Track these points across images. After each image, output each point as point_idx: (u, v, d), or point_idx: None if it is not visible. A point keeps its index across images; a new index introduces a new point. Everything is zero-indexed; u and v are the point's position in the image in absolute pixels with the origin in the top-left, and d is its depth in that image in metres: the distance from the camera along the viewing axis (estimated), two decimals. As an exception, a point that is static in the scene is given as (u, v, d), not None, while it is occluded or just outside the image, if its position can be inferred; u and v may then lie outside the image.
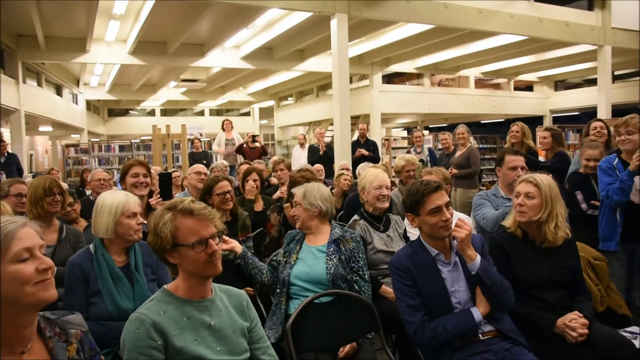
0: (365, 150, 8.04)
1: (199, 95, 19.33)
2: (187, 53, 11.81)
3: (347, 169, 6.07)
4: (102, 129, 20.84)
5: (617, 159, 3.44)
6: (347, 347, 2.50)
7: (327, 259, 2.74)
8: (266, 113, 23.02)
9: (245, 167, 5.35)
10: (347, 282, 2.73)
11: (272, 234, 3.53)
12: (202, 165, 5.32)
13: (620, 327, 2.78)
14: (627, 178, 3.25)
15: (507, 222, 2.65)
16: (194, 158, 9.64)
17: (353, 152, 8.22)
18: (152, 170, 3.79)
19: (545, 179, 2.60)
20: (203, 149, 10.76)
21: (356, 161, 7.78)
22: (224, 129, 9.75)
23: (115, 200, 2.39)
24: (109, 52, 11.57)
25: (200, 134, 11.92)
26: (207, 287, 1.78)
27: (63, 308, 2.23)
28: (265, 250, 3.46)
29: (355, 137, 9.01)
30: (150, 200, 3.40)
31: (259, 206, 4.35)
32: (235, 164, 8.65)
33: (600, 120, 4.93)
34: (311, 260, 2.76)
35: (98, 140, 17.07)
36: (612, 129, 4.25)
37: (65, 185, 6.94)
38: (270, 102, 21.32)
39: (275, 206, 3.81)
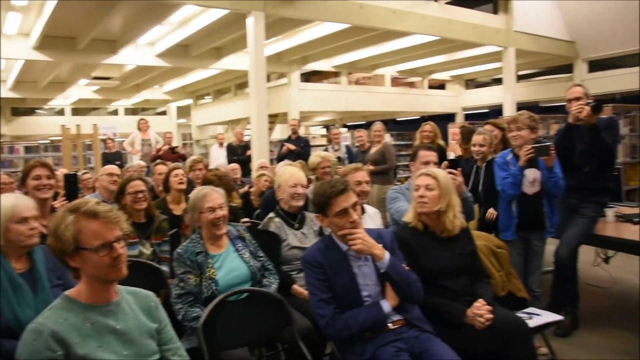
0: (293, 145, 8.07)
1: (112, 93, 18.59)
2: (98, 49, 11.32)
3: (265, 167, 6.09)
4: (4, 130, 19.55)
5: (511, 154, 3.67)
6: None
7: (241, 255, 2.78)
8: (184, 112, 22.52)
9: (161, 167, 5.23)
10: (262, 271, 2.82)
11: (188, 235, 3.47)
12: (114, 166, 5.14)
13: (520, 309, 3.01)
14: (518, 172, 3.50)
15: (408, 218, 2.77)
16: (107, 159, 9.33)
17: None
18: (56, 172, 3.63)
19: (441, 172, 2.76)
20: (117, 149, 10.41)
21: (284, 157, 7.79)
22: (139, 129, 9.48)
23: (4, 204, 2.24)
24: (10, 46, 10.83)
25: (114, 134, 11.50)
26: (111, 291, 1.73)
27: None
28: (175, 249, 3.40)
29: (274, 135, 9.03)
30: (54, 203, 3.26)
31: (179, 209, 4.23)
32: (152, 164, 8.44)
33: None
34: (230, 263, 2.75)
35: (0, 141, 16.04)
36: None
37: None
38: (188, 101, 20.89)
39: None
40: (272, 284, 2.80)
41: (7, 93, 16.64)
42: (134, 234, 3.28)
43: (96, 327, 1.64)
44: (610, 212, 4.26)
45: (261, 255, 2.91)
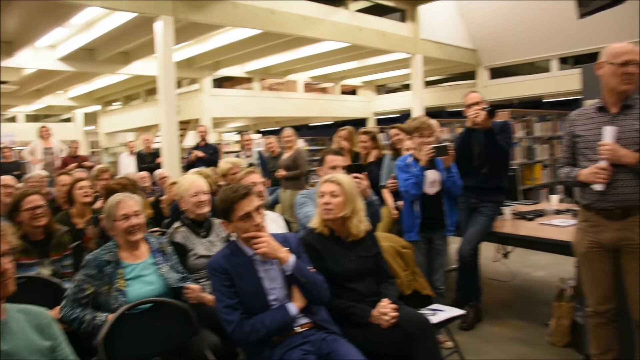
0: (201, 152, 7.95)
1: (10, 99, 17.42)
2: (-8, 51, 10.62)
3: (165, 177, 5.99)
4: None
5: (411, 157, 3.83)
6: None
7: (159, 269, 2.69)
8: (91, 119, 21.53)
9: (65, 177, 4.99)
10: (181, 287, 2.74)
11: (90, 247, 3.33)
12: (10, 177, 4.88)
13: (425, 307, 3.13)
14: (419, 172, 3.65)
15: (313, 223, 2.80)
16: (4, 169, 8.75)
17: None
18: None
19: (345, 178, 2.83)
20: (15, 158, 9.79)
21: (193, 165, 7.65)
22: (41, 137, 8.99)
23: None
24: None
25: (13, 142, 10.82)
26: None
27: None
28: (78, 263, 3.24)
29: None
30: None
31: (83, 223, 4.00)
32: (55, 174, 8.03)
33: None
34: (147, 276, 2.64)
35: None
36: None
37: None
38: (96, 107, 20.01)
39: (91, 218, 3.60)
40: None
41: None
42: (32, 254, 3.10)
43: None
44: (507, 211, 4.53)
45: (181, 270, 2.83)
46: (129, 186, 3.40)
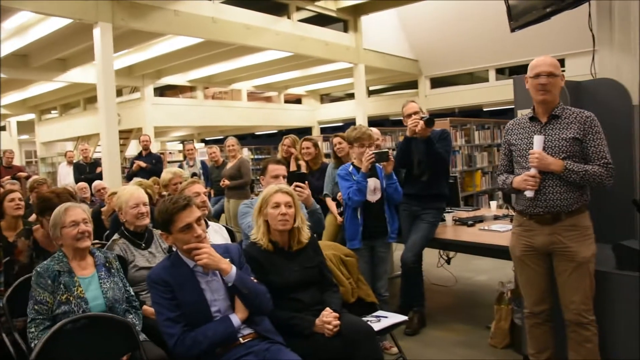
0: (144, 163, 7.77)
1: (-64, 107, 16.61)
2: None
3: (104, 189, 5.83)
4: None
5: (351, 166, 3.87)
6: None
7: (101, 284, 2.61)
8: (26, 127, 20.69)
9: (-4, 189, 4.76)
10: (129, 303, 2.69)
11: (22, 261, 3.18)
12: (-63, 189, 4.61)
13: (369, 314, 3.16)
14: (362, 179, 3.68)
15: (256, 237, 2.77)
16: None
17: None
18: None
19: (291, 189, 2.84)
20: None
21: (135, 175, 7.46)
22: (-30, 146, 8.58)
23: None
24: None
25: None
26: None
27: None
28: (11, 279, 3.09)
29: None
30: None
31: (13, 236, 3.85)
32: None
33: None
34: (93, 292, 2.57)
35: None
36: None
37: None
38: (31, 116, 19.25)
39: (22, 230, 3.45)
40: (135, 325, 2.60)
41: None
42: None
43: None
44: (449, 217, 4.64)
45: (128, 288, 2.75)
46: (65, 196, 3.27)
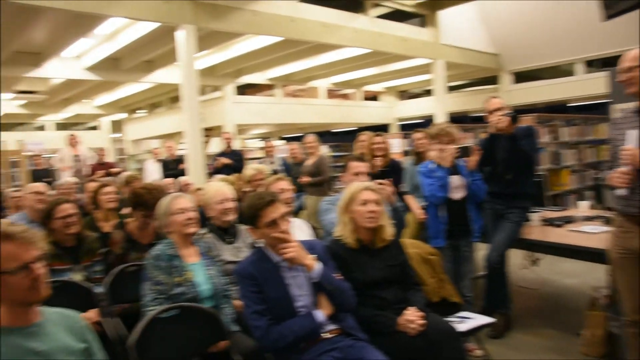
0: (227, 159, 7.98)
1: (39, 108, 17.81)
2: (21, 62, 10.80)
3: (188, 185, 6.04)
4: None
5: (433, 163, 3.78)
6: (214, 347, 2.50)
7: (207, 270, 2.76)
8: (117, 126, 21.85)
9: (94, 184, 5.05)
10: (225, 292, 2.79)
11: (116, 252, 3.35)
12: (41, 184, 4.93)
13: (453, 314, 3.08)
14: (444, 175, 3.62)
15: (341, 234, 2.76)
16: (36, 176, 8.95)
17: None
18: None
19: (376, 186, 2.82)
20: (46, 166, 10.00)
21: (218, 171, 7.69)
22: (70, 145, 9.16)
23: None
24: None
25: (42, 150, 11.02)
26: (33, 312, 1.67)
27: None
28: (108, 268, 3.28)
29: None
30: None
31: (108, 227, 4.05)
32: (84, 181, 8.16)
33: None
34: (199, 277, 2.72)
35: None
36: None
37: None
38: (121, 115, 20.31)
39: (118, 222, 3.64)
40: (227, 315, 2.72)
41: None
42: (64, 260, 3.16)
43: (17, 351, 1.59)
44: (535, 217, 4.44)
45: (224, 278, 2.87)
46: (156, 192, 3.42)
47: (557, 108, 13.88)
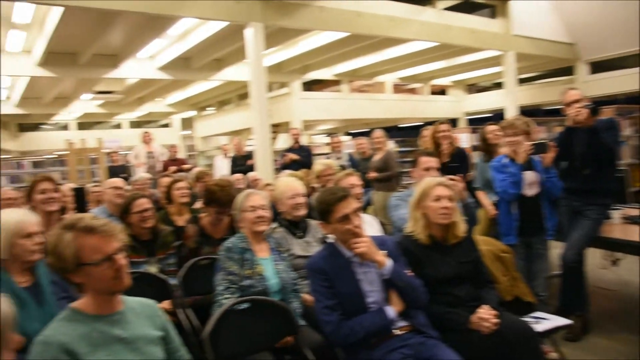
0: (296, 155, 8.09)
1: (116, 107, 18.68)
2: (100, 64, 11.39)
3: (257, 180, 6.14)
4: (12, 145, 19.66)
5: (505, 158, 3.67)
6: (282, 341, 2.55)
7: (276, 266, 2.83)
8: (187, 123, 22.58)
9: (167, 180, 5.24)
10: (293, 287, 2.85)
11: (189, 245, 3.47)
12: (119, 179, 5.16)
13: (527, 314, 2.99)
14: (517, 171, 3.50)
15: (413, 230, 2.73)
16: (112, 172, 9.38)
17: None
18: (62, 186, 3.66)
19: (448, 181, 2.77)
20: (122, 162, 10.47)
21: (285, 167, 7.81)
22: (144, 142, 9.55)
23: (9, 219, 2.28)
24: (14, 63, 10.95)
25: (118, 147, 11.56)
26: (116, 301, 1.76)
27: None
28: (181, 261, 3.40)
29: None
30: (64, 216, 3.31)
31: (181, 220, 4.22)
32: (157, 177, 8.49)
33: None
34: (268, 272, 2.79)
35: (8, 157, 16.09)
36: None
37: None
38: (191, 113, 20.96)
39: (192, 217, 3.77)
40: (295, 309, 2.77)
41: (12, 109, 16.77)
42: (140, 253, 3.29)
43: (103, 337, 1.67)
44: (616, 214, 4.23)
45: (293, 273, 2.93)
46: (228, 189, 3.51)
47: (638, 99, 13.12)
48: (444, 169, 3.40)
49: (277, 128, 14.98)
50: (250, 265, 2.76)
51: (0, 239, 2.25)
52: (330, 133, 21.68)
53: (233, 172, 8.44)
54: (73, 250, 1.65)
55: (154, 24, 9.14)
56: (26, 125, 20.69)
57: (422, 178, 3.53)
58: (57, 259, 1.66)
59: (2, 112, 17.26)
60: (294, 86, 14.41)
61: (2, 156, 15.49)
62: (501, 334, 2.43)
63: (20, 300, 2.20)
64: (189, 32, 10.62)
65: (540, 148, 3.46)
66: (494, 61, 13.23)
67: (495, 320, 2.44)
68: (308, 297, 2.83)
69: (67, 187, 5.20)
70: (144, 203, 3.41)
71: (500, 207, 3.68)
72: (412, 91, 18.47)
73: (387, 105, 16.38)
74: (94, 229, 1.69)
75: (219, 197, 3.46)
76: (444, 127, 5.12)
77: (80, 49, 10.82)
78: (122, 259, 1.71)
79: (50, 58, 10.65)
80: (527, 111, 14.24)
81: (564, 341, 3.74)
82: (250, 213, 2.88)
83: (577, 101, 3.68)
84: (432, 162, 3.49)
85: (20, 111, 17.02)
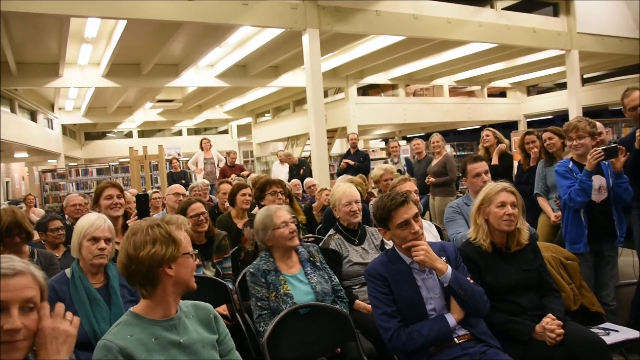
0: (352, 161, 8.09)
1: (175, 115, 19.27)
2: (162, 74, 11.80)
3: (313, 186, 6.19)
4: (79, 153, 20.64)
5: (571, 162, 3.51)
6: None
7: (309, 278, 2.78)
8: (244, 130, 23.00)
9: (226, 186, 5.35)
10: (335, 294, 2.81)
11: (247, 249, 3.52)
12: (180, 186, 5.33)
13: (594, 325, 2.86)
14: (586, 178, 3.30)
15: (475, 237, 2.67)
16: (173, 178, 9.65)
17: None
18: (126, 192, 3.80)
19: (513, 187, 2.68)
20: (182, 168, 10.76)
21: (342, 172, 7.82)
22: (202, 148, 9.77)
23: (82, 222, 2.43)
24: (82, 75, 11.50)
25: (178, 154, 11.89)
26: (174, 306, 1.80)
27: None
28: (242, 265, 3.45)
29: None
30: (128, 221, 3.42)
31: (241, 224, 4.29)
32: (215, 182, 8.67)
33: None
34: (302, 287, 2.75)
35: (75, 164, 16.89)
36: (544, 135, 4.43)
37: (41, 211, 6.87)
38: (248, 119, 21.31)
39: (248, 220, 3.82)
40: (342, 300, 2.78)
41: (80, 119, 17.59)
42: (196, 257, 3.36)
43: (160, 342, 1.71)
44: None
45: (334, 279, 2.89)
46: (275, 184, 3.55)
47: None
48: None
49: (333, 133, 15.02)
50: (275, 287, 2.69)
51: (74, 240, 2.40)
52: (385, 138, 21.57)
53: (290, 178, 8.54)
54: (184, 238, 1.78)
55: (213, 33, 9.36)
56: (92, 134, 21.67)
57: (473, 185, 3.46)
58: (166, 245, 1.73)
59: (71, 122, 18.17)
60: (349, 91, 14.41)
61: (70, 164, 16.27)
62: (567, 345, 2.34)
63: (94, 300, 2.32)
64: (247, 39, 10.81)
65: (610, 153, 3.27)
66: (556, 61, 12.81)
67: (561, 331, 2.35)
68: (362, 304, 2.81)
69: (131, 192, 5.40)
70: (198, 207, 3.51)
71: (566, 214, 3.52)
72: (470, 94, 18.12)
73: (444, 109, 16.13)
74: (185, 228, 1.82)
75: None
76: (485, 132, 5.06)
77: (143, 60, 11.23)
78: (196, 260, 1.85)
79: (115, 69, 11.12)
80: (592, 112, 13.71)
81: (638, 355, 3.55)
82: (284, 229, 2.78)
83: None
84: (479, 167, 3.43)
85: (86, 120, 17.85)
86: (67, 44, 9.05)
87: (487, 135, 5.57)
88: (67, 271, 2.41)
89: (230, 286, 3.25)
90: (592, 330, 2.68)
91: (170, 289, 1.75)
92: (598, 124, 4.10)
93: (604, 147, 3.31)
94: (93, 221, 2.43)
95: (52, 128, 16.83)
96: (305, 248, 2.94)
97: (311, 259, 2.88)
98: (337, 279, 2.91)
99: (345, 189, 3.39)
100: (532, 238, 2.72)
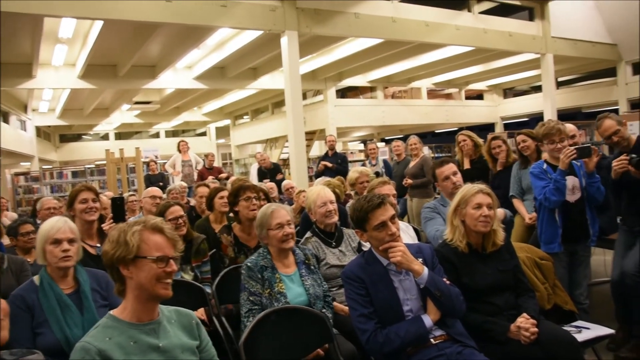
0: (330, 163, 8.10)
1: (153, 117, 19.10)
2: (139, 75, 11.69)
3: (291, 188, 6.20)
4: (54, 156, 20.30)
5: (545, 164, 3.56)
6: (313, 353, 2.51)
7: (303, 281, 2.77)
8: (223, 132, 22.90)
9: (203, 189, 5.30)
10: (324, 299, 2.80)
11: (229, 255, 3.48)
12: (157, 189, 5.28)
13: (567, 323, 2.90)
14: (560, 177, 3.35)
15: (452, 238, 2.68)
16: (150, 181, 9.56)
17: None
18: (101, 196, 3.75)
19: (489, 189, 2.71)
20: (159, 171, 10.66)
21: (320, 174, 7.82)
22: (179, 150, 9.70)
23: (44, 227, 2.39)
24: (57, 76, 11.32)
25: (156, 156, 11.79)
26: (154, 310, 1.79)
27: (10, 342, 2.17)
28: (216, 269, 3.41)
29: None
30: (102, 225, 3.37)
31: (219, 228, 4.26)
32: (193, 185, 8.61)
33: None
34: (296, 288, 2.75)
35: (50, 167, 16.61)
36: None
37: (14, 215, 6.75)
38: (226, 121, 21.23)
39: (223, 227, 3.77)
40: (329, 319, 2.74)
41: (55, 121, 17.31)
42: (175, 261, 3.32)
43: (139, 345, 1.70)
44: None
45: (324, 285, 2.89)
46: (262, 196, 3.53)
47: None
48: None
49: (312, 135, 15.04)
50: (271, 284, 2.69)
51: (38, 246, 2.36)
52: (364, 140, 21.66)
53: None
54: (137, 240, 1.72)
55: (191, 35, 9.32)
56: (67, 136, 21.35)
57: (445, 188, 3.50)
58: (117, 246, 1.72)
59: (45, 124, 17.88)
60: (328, 93, 14.45)
61: (44, 166, 16.00)
62: (541, 344, 2.37)
63: (64, 306, 2.27)
64: (225, 41, 10.79)
65: (583, 152, 3.33)
66: (532, 64, 13.02)
67: (535, 330, 2.39)
68: (340, 306, 2.82)
69: (107, 195, 5.33)
70: (177, 210, 3.47)
71: (541, 215, 3.57)
72: (448, 96, 18.31)
73: (422, 111, 16.28)
74: (162, 230, 1.78)
75: None
76: (461, 137, 5.13)
77: (119, 61, 11.12)
78: (174, 266, 1.77)
79: (91, 70, 10.98)
80: (567, 114, 13.94)
81: (608, 350, 3.62)
82: (277, 231, 2.77)
83: (614, 133, 3.53)
84: (447, 169, 3.47)
85: (61, 122, 17.57)
86: (40, 44, 8.89)
87: (464, 140, 5.52)
88: (36, 278, 2.35)
89: (208, 290, 3.23)
90: (565, 328, 2.72)
91: (135, 292, 1.74)
92: (571, 126, 4.19)
93: (577, 147, 3.36)
94: (53, 224, 2.39)
95: (25, 130, 16.53)
96: (301, 250, 2.94)
97: (306, 261, 2.88)
98: (326, 285, 2.92)
99: (319, 191, 3.39)
100: (507, 239, 2.75)
